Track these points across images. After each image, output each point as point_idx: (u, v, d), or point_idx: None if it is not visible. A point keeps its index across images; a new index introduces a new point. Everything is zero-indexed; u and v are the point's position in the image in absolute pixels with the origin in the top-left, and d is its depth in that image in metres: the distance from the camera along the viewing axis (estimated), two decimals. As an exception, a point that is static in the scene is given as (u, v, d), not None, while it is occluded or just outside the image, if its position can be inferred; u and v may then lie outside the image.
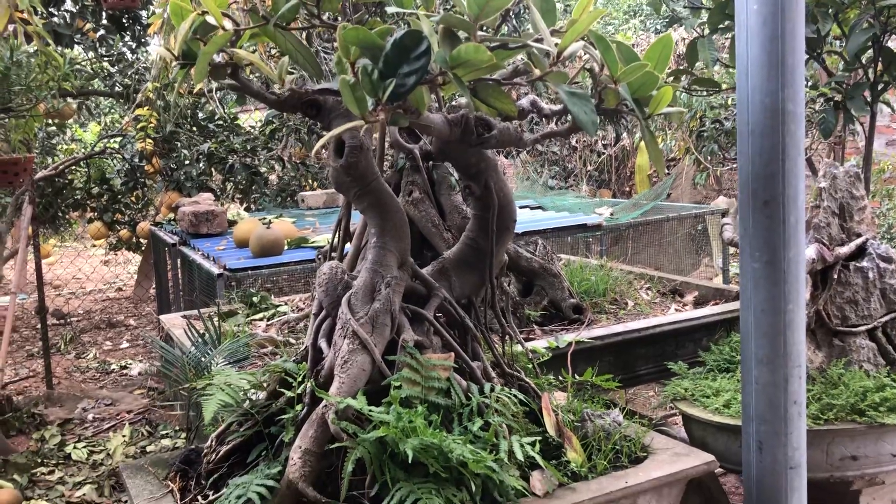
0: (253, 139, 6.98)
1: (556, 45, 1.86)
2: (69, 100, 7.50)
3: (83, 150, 9.45)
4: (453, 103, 2.51)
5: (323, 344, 2.10)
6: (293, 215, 6.35)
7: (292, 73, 1.84)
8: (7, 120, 6.19)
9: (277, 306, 3.81)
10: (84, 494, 5.30)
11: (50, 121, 8.61)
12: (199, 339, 2.53)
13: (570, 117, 2.19)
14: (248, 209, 7.37)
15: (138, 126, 6.64)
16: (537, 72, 1.92)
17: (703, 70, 4.83)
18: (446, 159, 2.34)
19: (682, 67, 4.53)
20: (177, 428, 6.29)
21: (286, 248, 4.87)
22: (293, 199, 8.09)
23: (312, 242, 5.02)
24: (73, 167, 9.16)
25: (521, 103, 2.25)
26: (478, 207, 2.26)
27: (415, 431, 1.72)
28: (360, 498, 1.82)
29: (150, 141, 6.75)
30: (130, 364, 8.28)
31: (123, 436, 6.12)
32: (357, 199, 2.12)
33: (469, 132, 1.96)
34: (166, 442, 5.99)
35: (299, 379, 1.99)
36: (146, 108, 6.48)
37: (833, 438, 2.60)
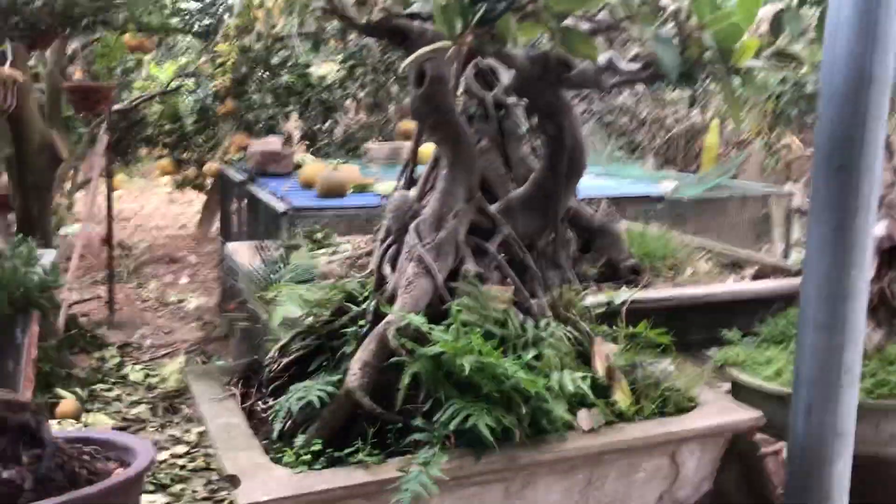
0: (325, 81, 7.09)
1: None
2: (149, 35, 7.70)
3: (158, 88, 9.70)
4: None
5: (388, 268, 2.17)
6: (357, 164, 6.44)
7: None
8: (93, 47, 6.39)
9: (339, 244, 3.90)
10: (139, 413, 5.53)
11: (129, 56, 8.84)
12: (270, 258, 2.63)
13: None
14: (313, 156, 7.49)
15: (217, 62, 6.79)
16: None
17: (787, 44, 4.71)
18: (523, 97, 2.37)
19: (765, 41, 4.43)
20: (229, 360, 6.50)
21: (350, 191, 4.97)
22: (356, 152, 8.20)
23: (375, 189, 5.10)
24: (147, 103, 9.41)
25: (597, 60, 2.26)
26: (549, 149, 2.29)
27: (472, 351, 1.78)
28: (413, 412, 1.90)
29: (227, 78, 6.90)
30: (189, 298, 8.56)
31: (178, 363, 6.35)
32: (432, 130, 2.18)
33: (549, 70, 1.99)
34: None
35: (365, 295, 2.07)
36: (227, 44, 6.62)
37: (885, 415, 2.58)
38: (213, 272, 9.59)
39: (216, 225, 11.34)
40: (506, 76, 3.02)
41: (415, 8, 1.85)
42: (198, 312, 7.97)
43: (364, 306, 2.08)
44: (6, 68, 4.51)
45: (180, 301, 8.48)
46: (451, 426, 1.77)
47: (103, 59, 5.90)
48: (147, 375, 6.21)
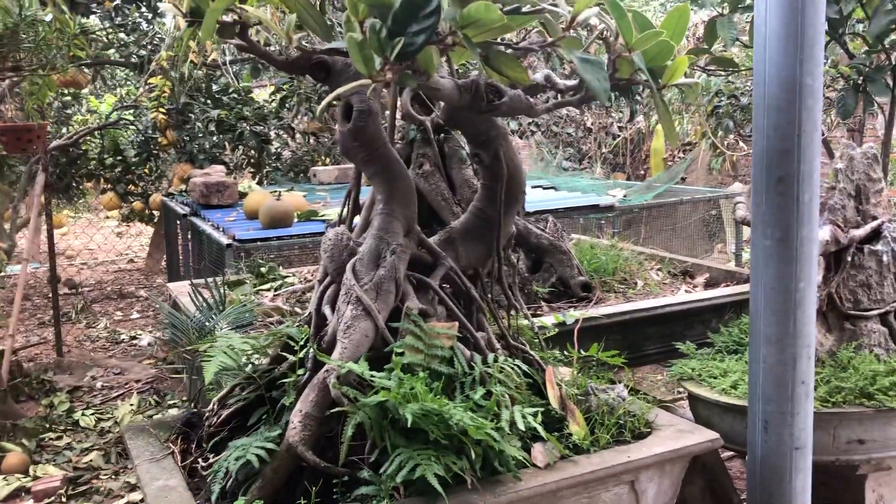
0: (263, 109, 6.96)
1: (570, 11, 1.82)
2: (84, 69, 7.50)
3: (98, 121, 9.47)
4: (470, 76, 2.48)
5: (327, 310, 2.08)
6: (305, 190, 6.34)
7: (300, 33, 1.81)
8: (22, 86, 6.19)
9: (285, 277, 3.80)
10: (91, 460, 5.34)
11: (65, 90, 8.60)
12: (204, 305, 2.52)
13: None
14: (259, 183, 7.36)
15: (152, 95, 6.63)
16: (550, 39, 1.89)
17: (721, 50, 4.76)
18: (456, 126, 2.32)
19: (701, 47, 4.46)
20: (184, 398, 6.33)
21: (296, 220, 4.86)
22: (305, 175, 8.07)
23: (322, 216, 5.01)
24: (88, 138, 9.18)
25: (535, 77, 2.21)
26: (487, 177, 2.23)
27: (415, 397, 1.70)
28: (360, 463, 1.81)
29: (163, 111, 6.74)
30: (140, 334, 8.33)
31: (131, 404, 6.16)
32: (364, 164, 2.10)
33: (479, 98, 1.93)
34: (174, 411, 6.03)
35: (301, 343, 1.98)
36: (160, 77, 6.47)
37: (840, 422, 2.57)
38: (163, 302, 9.34)
39: (164, 258, 11.09)
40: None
41: (336, 43, 1.78)
42: (151, 349, 7.76)
43: (302, 353, 1.99)
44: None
45: (132, 338, 8.25)
46: (399, 478, 1.69)
47: (33, 97, 5.72)
48: (99, 420, 6.01)
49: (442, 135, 3.25)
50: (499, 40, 1.80)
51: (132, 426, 2.30)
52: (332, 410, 1.84)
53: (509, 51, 1.89)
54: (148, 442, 2.20)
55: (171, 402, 6.29)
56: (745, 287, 3.60)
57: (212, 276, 4.04)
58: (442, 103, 3.08)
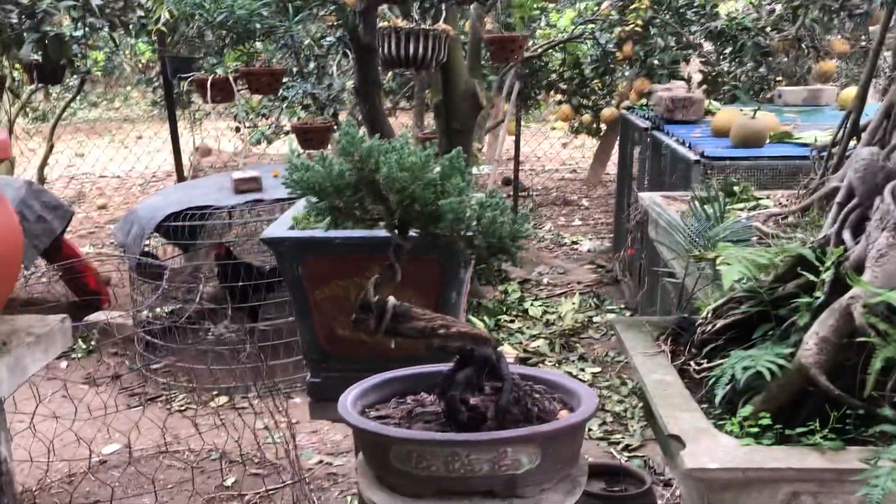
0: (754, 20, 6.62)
1: None
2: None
3: (559, 35, 9.99)
4: None
5: (847, 235, 1.96)
6: (770, 110, 5.99)
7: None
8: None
9: (759, 199, 3.66)
10: (538, 346, 5.91)
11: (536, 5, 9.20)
12: (703, 215, 2.55)
13: None
14: (717, 100, 7.14)
15: (631, 7, 6.75)
16: None
17: None
18: None
19: None
20: (622, 305, 6.61)
21: (768, 141, 4.63)
22: (762, 98, 7.61)
23: (797, 138, 4.69)
24: (550, 50, 9.76)
25: None
26: None
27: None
28: (880, 399, 1.70)
29: (640, 23, 6.83)
30: (581, 240, 8.84)
31: (573, 303, 6.62)
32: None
33: None
34: (611, 316, 6.35)
35: (826, 265, 1.89)
36: (641, -11, 6.55)
37: None
38: (605, 216, 9.78)
39: (607, 170, 11.50)
40: None
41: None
42: (590, 255, 8.21)
43: (822, 276, 1.90)
44: (440, 24, 4.99)
45: (573, 243, 8.80)
46: (934, 423, 1.55)
47: (520, 9, 6.22)
48: (545, 312, 6.59)
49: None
50: None
51: (623, 320, 2.46)
52: (852, 339, 1.74)
53: None
54: (639, 336, 2.33)
55: (609, 307, 6.63)
56: None
57: (679, 191, 4.06)
58: None
